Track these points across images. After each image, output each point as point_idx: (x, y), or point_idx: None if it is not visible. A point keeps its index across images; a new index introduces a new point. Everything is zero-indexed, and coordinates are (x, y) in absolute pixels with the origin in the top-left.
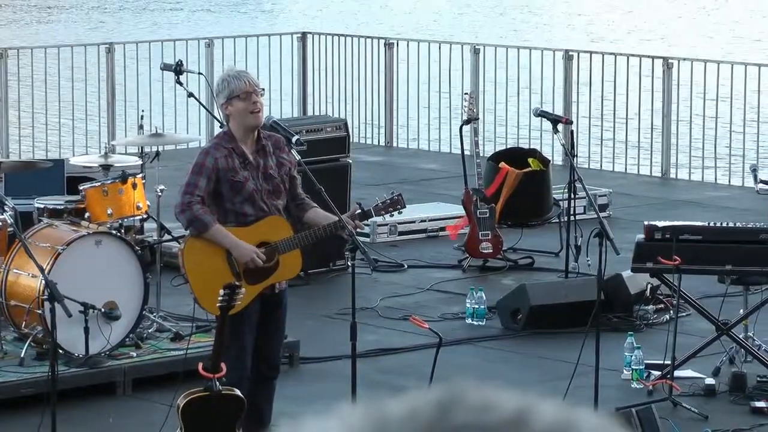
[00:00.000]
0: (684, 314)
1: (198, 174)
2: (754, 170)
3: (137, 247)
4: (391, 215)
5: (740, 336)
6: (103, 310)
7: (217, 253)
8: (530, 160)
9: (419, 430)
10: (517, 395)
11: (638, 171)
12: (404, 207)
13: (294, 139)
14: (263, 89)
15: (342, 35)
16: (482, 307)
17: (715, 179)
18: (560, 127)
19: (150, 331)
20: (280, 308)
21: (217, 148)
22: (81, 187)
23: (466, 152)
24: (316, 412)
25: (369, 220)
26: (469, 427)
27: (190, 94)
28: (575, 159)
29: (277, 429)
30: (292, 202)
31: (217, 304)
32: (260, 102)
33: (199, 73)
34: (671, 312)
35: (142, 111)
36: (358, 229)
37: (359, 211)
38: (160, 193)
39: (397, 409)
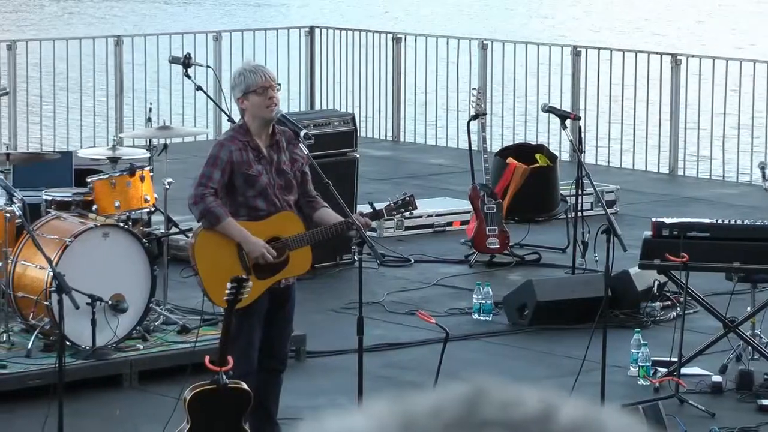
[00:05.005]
0: (691, 311)
1: (212, 166)
2: (762, 168)
3: (144, 240)
4: (402, 215)
5: (747, 333)
6: (110, 302)
7: (228, 246)
8: (538, 155)
9: (446, 425)
10: (542, 392)
11: (646, 167)
12: (416, 208)
13: (302, 134)
14: (279, 84)
15: (349, 29)
16: (489, 302)
17: (723, 176)
18: (568, 123)
19: (157, 323)
20: (288, 303)
21: (232, 140)
22: (89, 180)
23: (474, 147)
24: (339, 406)
25: (380, 219)
26: (495, 423)
27: (198, 88)
28: (583, 155)
29: (299, 424)
30: (302, 198)
31: (224, 298)
32: (276, 97)
33: (207, 67)
34: (678, 309)
35: (150, 104)
36: (368, 227)
37: (370, 210)
38: (167, 186)
39: (423, 404)
